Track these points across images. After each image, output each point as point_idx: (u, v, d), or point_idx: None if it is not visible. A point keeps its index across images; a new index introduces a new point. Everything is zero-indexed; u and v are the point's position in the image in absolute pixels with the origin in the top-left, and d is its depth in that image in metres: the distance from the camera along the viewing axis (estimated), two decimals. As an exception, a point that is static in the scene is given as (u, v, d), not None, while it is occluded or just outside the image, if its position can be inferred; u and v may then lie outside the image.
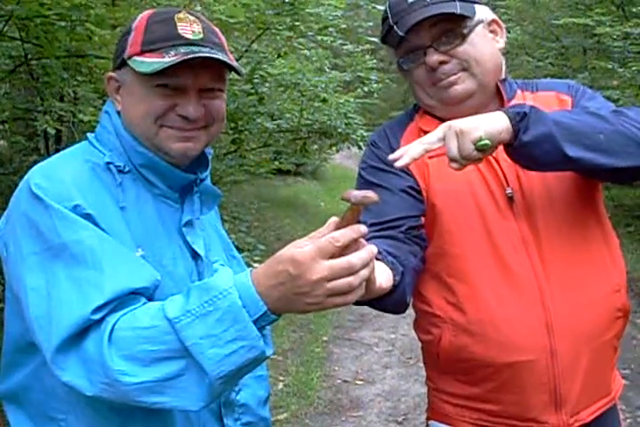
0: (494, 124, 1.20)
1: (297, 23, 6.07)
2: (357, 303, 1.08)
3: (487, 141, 1.17)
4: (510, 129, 1.21)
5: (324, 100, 7.79)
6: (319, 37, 7.10)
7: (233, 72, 1.27)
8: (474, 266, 1.38)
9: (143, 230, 1.19)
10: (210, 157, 1.34)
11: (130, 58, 1.20)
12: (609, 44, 8.06)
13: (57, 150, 5.35)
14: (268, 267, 0.96)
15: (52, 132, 3.90)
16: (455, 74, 1.39)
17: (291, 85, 7.36)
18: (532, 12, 11.37)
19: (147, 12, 1.25)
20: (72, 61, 4.07)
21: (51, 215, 1.10)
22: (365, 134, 8.43)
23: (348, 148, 9.65)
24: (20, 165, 5.71)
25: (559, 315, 1.35)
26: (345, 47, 8.56)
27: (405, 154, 1.18)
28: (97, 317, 1.03)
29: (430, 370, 1.54)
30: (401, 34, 1.37)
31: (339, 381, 4.22)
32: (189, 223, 1.27)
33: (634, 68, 7.36)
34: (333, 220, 0.97)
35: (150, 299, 1.10)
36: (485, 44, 1.43)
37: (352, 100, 8.73)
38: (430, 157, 1.30)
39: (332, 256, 0.93)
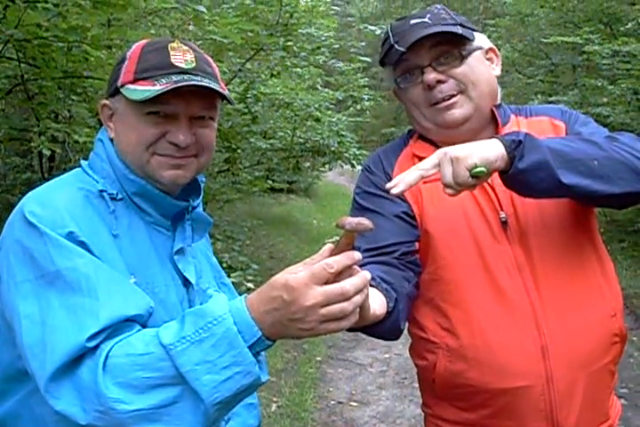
0: (489, 151, 1.20)
1: (290, 43, 6.13)
2: (351, 330, 1.08)
3: (482, 169, 1.17)
4: (505, 156, 1.21)
5: (317, 120, 7.85)
6: (312, 57, 7.17)
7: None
8: (468, 291, 1.38)
9: (136, 258, 1.19)
10: (202, 185, 1.35)
11: (123, 86, 1.22)
12: (598, 61, 8.18)
13: (50, 168, 5.36)
14: (263, 292, 0.97)
15: (47, 153, 3.90)
16: (454, 96, 1.41)
17: (284, 105, 7.42)
18: (522, 31, 11.54)
19: (141, 42, 1.27)
20: (68, 81, 4.10)
21: (45, 242, 1.09)
22: (357, 152, 8.48)
23: (341, 166, 9.69)
24: (13, 182, 5.70)
25: (554, 340, 1.35)
26: (337, 66, 8.64)
27: (401, 181, 1.18)
28: (92, 344, 1.02)
29: (426, 396, 1.53)
30: (402, 49, 1.39)
31: (333, 402, 4.17)
32: (181, 251, 1.28)
33: (623, 86, 7.47)
34: (328, 246, 0.98)
35: (144, 326, 1.10)
36: (483, 68, 1.45)
37: (344, 118, 8.79)
38: (424, 183, 1.31)
39: (327, 282, 0.93)
